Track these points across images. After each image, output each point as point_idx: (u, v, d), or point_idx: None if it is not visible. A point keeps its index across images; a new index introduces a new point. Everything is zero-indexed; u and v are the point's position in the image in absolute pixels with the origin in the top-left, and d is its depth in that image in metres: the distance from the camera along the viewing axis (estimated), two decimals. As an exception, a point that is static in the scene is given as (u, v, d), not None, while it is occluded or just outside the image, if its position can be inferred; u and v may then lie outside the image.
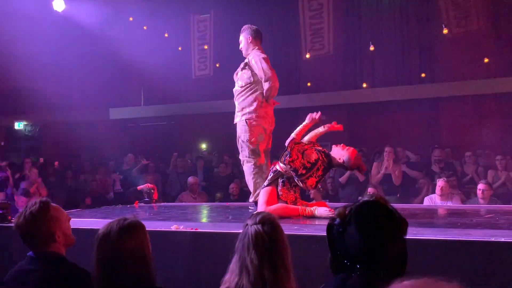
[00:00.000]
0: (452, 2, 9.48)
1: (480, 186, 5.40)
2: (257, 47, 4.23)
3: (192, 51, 11.54)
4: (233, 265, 1.72)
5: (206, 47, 11.26)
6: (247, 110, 4.08)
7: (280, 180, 3.76)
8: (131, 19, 10.55)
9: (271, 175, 3.82)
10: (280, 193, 3.75)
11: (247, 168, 4.15)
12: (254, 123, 4.07)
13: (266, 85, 4.03)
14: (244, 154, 4.14)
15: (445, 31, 9.01)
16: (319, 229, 2.94)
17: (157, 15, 10.32)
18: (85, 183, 8.79)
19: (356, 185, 6.84)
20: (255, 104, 4.07)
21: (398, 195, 6.61)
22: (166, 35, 10.88)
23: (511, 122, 9.18)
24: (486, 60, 9.22)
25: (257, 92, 4.10)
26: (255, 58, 4.09)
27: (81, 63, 10.60)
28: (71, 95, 10.54)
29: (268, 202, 3.69)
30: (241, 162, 4.24)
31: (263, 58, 4.07)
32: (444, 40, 9.56)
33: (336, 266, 1.45)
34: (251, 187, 4.20)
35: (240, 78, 4.20)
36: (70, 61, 10.37)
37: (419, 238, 2.48)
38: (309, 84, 10.61)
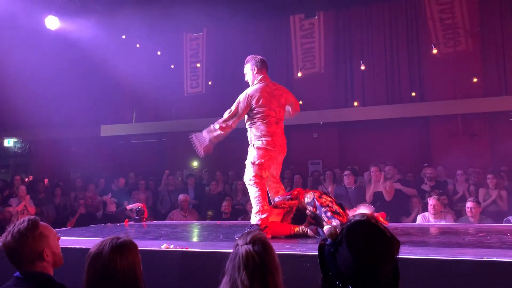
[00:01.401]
0: (440, 22, 9.67)
1: (468, 204, 5.43)
2: (261, 77, 4.11)
3: (185, 68, 11.60)
4: (224, 286, 1.68)
5: (198, 65, 11.32)
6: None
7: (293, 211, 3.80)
8: (124, 37, 10.59)
9: (287, 200, 3.81)
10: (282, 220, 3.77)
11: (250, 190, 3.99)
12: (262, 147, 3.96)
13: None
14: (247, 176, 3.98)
15: (435, 51, 9.16)
16: (311, 249, 2.91)
17: (150, 33, 10.39)
18: (74, 200, 8.67)
19: (349, 203, 6.83)
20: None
21: (388, 217, 6.59)
22: (158, 53, 10.92)
23: (500, 141, 9.28)
24: (475, 79, 9.36)
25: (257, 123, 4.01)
26: (242, 94, 4.02)
27: (73, 80, 10.59)
28: (62, 112, 10.49)
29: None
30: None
31: (246, 97, 3.98)
32: (433, 60, 9.71)
33: (328, 287, 1.42)
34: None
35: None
36: (61, 78, 10.36)
37: (411, 257, 2.47)
38: (300, 102, 10.66)
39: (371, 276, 1.35)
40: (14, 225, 2.12)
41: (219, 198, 7.84)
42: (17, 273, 2.10)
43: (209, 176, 9.28)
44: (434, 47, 9.18)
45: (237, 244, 1.72)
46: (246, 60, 4.24)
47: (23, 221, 2.12)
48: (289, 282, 1.83)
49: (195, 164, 11.34)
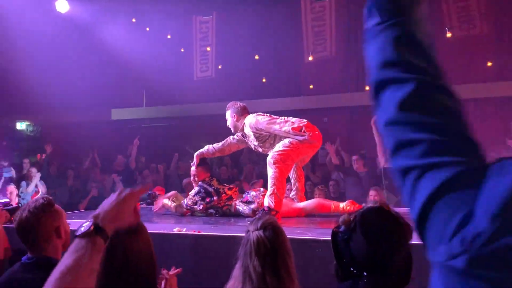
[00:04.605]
0: (455, 5, 9.47)
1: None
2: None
3: (194, 52, 11.55)
4: (236, 272, 1.70)
5: (208, 49, 11.25)
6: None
7: None
8: (134, 20, 10.54)
9: None
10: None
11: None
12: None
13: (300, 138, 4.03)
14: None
15: (449, 34, 8.99)
16: (322, 233, 2.93)
17: (160, 16, 10.33)
18: (85, 183, 8.78)
19: (360, 186, 6.84)
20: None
21: (399, 197, 6.58)
22: (168, 36, 10.88)
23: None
24: (489, 63, 9.21)
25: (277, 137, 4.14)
26: (252, 128, 4.15)
27: (84, 64, 10.61)
28: (73, 96, 10.54)
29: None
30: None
31: (262, 123, 4.10)
32: (447, 43, 9.54)
33: (342, 274, 1.43)
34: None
35: (253, 141, 4.27)
36: (72, 62, 10.38)
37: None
38: (311, 86, 10.60)
39: (386, 263, 1.36)
40: (28, 203, 2.11)
41: (228, 182, 7.87)
42: (25, 258, 2.04)
43: (218, 161, 9.31)
44: (448, 30, 9.01)
45: (248, 230, 1.73)
46: (227, 106, 4.43)
47: (37, 199, 2.11)
48: (300, 267, 1.85)
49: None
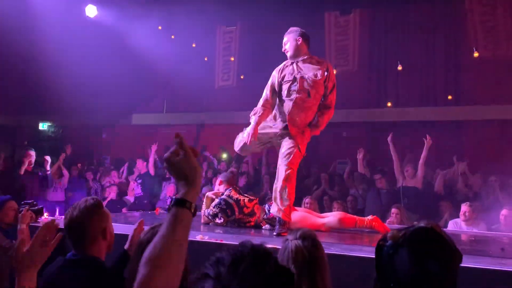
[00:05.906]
0: (480, 24, 9.38)
1: (504, 212, 5.31)
2: (308, 55, 3.90)
3: (217, 61, 11.64)
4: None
5: (232, 58, 11.33)
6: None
7: None
8: (160, 28, 10.70)
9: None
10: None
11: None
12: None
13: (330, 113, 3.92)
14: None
15: (476, 54, 8.90)
16: (347, 249, 2.90)
17: (186, 25, 10.46)
18: (103, 186, 8.87)
19: (380, 202, 6.78)
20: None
21: (417, 215, 6.48)
22: (193, 45, 11.00)
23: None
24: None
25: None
26: (327, 74, 3.84)
27: (108, 68, 10.77)
28: (95, 99, 10.71)
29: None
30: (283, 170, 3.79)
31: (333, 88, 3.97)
32: (472, 63, 9.45)
33: (381, 288, 1.41)
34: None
35: (316, 87, 3.82)
36: (97, 66, 10.56)
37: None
38: (332, 100, 10.57)
39: (429, 284, 1.33)
40: (79, 203, 2.15)
41: (244, 189, 7.89)
42: (69, 255, 2.08)
43: (236, 169, 9.30)
44: (476, 50, 8.92)
45: (287, 239, 1.74)
46: (288, 31, 4.04)
47: (87, 199, 2.16)
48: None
49: (224, 156, 11.39)
